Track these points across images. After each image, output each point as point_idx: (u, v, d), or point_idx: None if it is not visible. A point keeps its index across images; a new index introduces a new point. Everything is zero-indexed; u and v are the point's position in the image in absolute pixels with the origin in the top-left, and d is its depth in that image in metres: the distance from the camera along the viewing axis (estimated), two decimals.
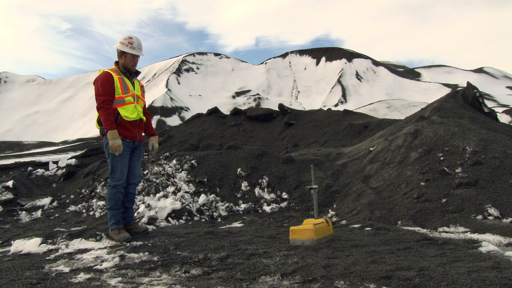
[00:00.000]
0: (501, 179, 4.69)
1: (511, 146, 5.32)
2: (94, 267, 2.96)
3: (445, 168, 5.04)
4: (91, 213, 6.38)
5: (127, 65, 3.99)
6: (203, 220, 5.66)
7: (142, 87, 4.23)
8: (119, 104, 3.88)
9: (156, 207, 5.56)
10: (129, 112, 3.93)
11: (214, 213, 5.92)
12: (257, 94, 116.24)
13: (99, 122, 3.95)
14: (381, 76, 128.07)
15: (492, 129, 6.32)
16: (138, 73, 4.14)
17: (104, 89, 3.81)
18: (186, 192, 6.50)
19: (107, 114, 3.78)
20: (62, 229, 4.50)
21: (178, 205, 5.65)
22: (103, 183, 7.36)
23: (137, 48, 4.00)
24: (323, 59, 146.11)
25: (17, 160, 13.94)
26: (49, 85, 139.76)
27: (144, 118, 4.17)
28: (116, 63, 4.07)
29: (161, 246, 3.57)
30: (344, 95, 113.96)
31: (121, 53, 3.98)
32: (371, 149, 6.92)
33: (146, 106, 4.37)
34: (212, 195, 6.36)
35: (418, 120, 6.93)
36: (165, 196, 6.24)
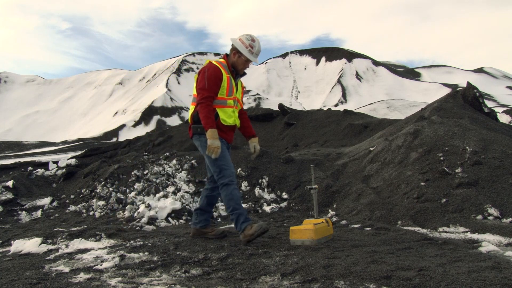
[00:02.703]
0: (501, 179, 4.69)
1: (511, 146, 5.32)
2: (94, 267, 2.96)
3: (445, 168, 5.04)
4: (91, 213, 6.39)
5: (238, 66, 3.68)
6: None
7: (243, 88, 3.94)
8: (219, 105, 3.60)
9: (156, 207, 5.57)
10: (227, 116, 3.66)
11: (214, 213, 5.92)
12: (257, 94, 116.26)
13: (194, 118, 3.69)
14: (381, 76, 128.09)
15: (492, 129, 6.32)
16: (244, 73, 3.83)
17: (210, 85, 3.51)
18: (186, 192, 6.50)
19: (208, 112, 3.48)
20: (62, 229, 4.51)
21: (178, 205, 5.65)
22: (103, 183, 7.36)
23: (255, 54, 3.65)
24: (323, 59, 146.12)
25: (17, 160, 13.93)
26: (49, 85, 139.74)
27: (239, 125, 3.87)
28: (226, 56, 3.73)
29: (161, 246, 3.57)
30: (344, 95, 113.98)
31: (236, 51, 3.64)
32: (371, 149, 6.92)
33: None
34: None
35: (418, 120, 6.93)
36: (165, 196, 6.24)
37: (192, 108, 3.74)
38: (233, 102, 3.71)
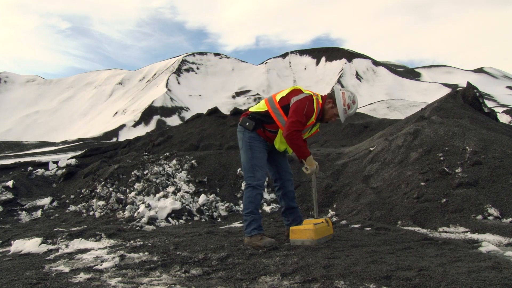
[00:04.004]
0: (501, 179, 4.69)
1: (511, 146, 5.32)
2: (94, 267, 2.96)
3: (445, 168, 5.04)
4: (91, 213, 6.39)
5: (325, 115, 3.61)
6: (203, 220, 5.66)
7: (317, 131, 3.83)
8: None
9: (156, 207, 5.57)
10: (281, 142, 3.62)
11: (214, 213, 5.92)
12: (257, 94, 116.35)
13: (255, 114, 3.60)
14: (381, 76, 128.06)
15: (492, 129, 6.32)
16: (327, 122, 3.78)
17: (307, 119, 3.48)
18: (186, 192, 6.50)
19: (301, 142, 3.47)
20: (62, 229, 4.51)
21: (178, 205, 5.65)
22: (103, 183, 7.36)
23: (347, 115, 3.60)
24: (323, 59, 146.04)
25: (17, 160, 13.92)
26: (49, 85, 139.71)
27: (290, 153, 3.79)
28: (324, 99, 3.63)
29: (161, 246, 3.57)
30: None
31: (332, 101, 3.56)
32: (371, 149, 6.92)
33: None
34: (212, 195, 6.37)
35: (418, 120, 6.93)
36: (165, 196, 6.24)
37: (263, 107, 3.64)
38: None
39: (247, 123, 3.61)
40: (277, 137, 3.63)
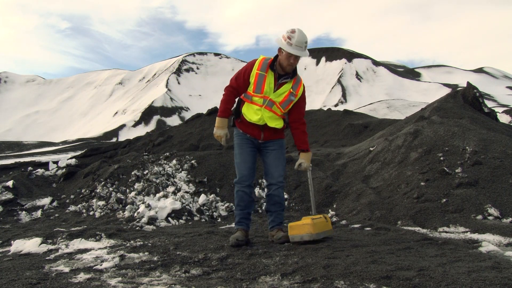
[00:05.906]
0: (501, 179, 4.69)
1: (511, 146, 5.32)
2: (94, 267, 2.96)
3: (445, 168, 5.04)
4: (91, 213, 6.39)
5: (282, 63, 3.44)
6: (203, 220, 5.66)
7: (291, 93, 3.49)
8: (246, 100, 3.52)
9: (156, 207, 5.57)
10: (251, 112, 3.51)
11: (214, 213, 5.92)
12: None
13: (233, 115, 3.67)
14: (381, 76, 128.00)
15: (492, 129, 6.32)
16: (294, 74, 3.51)
17: (238, 77, 3.50)
18: (186, 192, 6.50)
19: (223, 100, 3.51)
20: (62, 229, 4.51)
21: (178, 205, 5.65)
22: (103, 183, 7.36)
23: (296, 46, 3.31)
24: (323, 59, 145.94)
25: (17, 160, 13.92)
26: (49, 85, 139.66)
27: (271, 125, 3.55)
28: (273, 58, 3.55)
29: (161, 246, 3.57)
30: (344, 95, 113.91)
31: (280, 48, 3.44)
32: (371, 149, 6.92)
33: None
34: (212, 195, 6.37)
35: (418, 120, 6.93)
36: (165, 196, 6.24)
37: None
38: (262, 100, 3.46)
39: (231, 121, 3.73)
40: (243, 110, 3.61)
